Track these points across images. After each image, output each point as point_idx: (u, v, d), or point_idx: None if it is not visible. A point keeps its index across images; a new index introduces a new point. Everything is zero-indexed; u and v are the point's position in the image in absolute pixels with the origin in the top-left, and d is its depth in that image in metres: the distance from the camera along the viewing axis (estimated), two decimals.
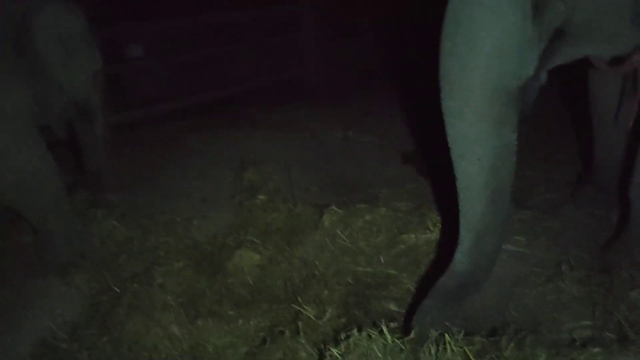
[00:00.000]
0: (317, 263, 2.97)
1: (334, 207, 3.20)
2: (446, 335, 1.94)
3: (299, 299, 2.71)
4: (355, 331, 2.03)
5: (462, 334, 1.98)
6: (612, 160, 2.84)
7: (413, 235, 2.96)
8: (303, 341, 2.39)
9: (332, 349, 2.02)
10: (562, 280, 2.35)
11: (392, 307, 2.65)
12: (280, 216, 3.30)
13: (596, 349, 1.85)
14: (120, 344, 2.45)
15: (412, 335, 2.00)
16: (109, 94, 4.79)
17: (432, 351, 1.91)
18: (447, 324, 2.17)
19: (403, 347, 1.97)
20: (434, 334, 1.98)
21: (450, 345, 1.92)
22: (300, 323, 2.48)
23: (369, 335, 2.01)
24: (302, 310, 2.58)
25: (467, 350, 1.91)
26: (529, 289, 2.38)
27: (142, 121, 5.02)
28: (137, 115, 5.09)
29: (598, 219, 2.85)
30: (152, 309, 2.56)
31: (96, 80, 3.07)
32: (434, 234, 2.91)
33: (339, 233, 3.07)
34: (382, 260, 2.94)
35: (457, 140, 1.86)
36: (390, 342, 1.97)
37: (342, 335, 2.07)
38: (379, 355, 1.94)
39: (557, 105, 4.37)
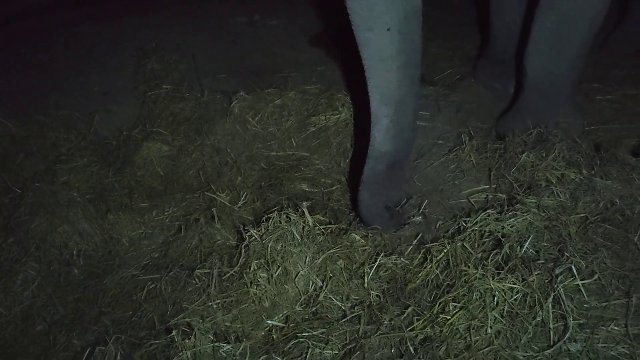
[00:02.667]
0: (229, 150, 2.96)
1: (242, 93, 3.13)
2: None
3: (213, 187, 2.71)
4: (275, 214, 2.07)
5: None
6: (509, 33, 2.92)
7: (323, 117, 2.98)
8: (218, 226, 2.44)
9: (250, 230, 2.07)
10: (462, 150, 2.47)
11: (305, 187, 2.72)
12: (187, 105, 3.19)
13: (488, 212, 2.00)
14: (28, 244, 2.38)
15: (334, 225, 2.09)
16: None
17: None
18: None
19: (323, 231, 2.06)
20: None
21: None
22: (214, 209, 2.50)
23: (288, 217, 2.06)
24: (216, 197, 2.59)
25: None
26: (432, 160, 2.50)
27: (27, 11, 4.53)
28: (21, 5, 4.58)
29: (496, 91, 2.97)
30: (57, 207, 2.48)
31: None
32: (343, 114, 2.94)
33: (250, 119, 3.03)
34: (293, 144, 2.97)
35: (364, 11, 1.78)
36: (310, 225, 2.05)
37: (263, 217, 2.11)
38: (297, 237, 2.00)
39: None
